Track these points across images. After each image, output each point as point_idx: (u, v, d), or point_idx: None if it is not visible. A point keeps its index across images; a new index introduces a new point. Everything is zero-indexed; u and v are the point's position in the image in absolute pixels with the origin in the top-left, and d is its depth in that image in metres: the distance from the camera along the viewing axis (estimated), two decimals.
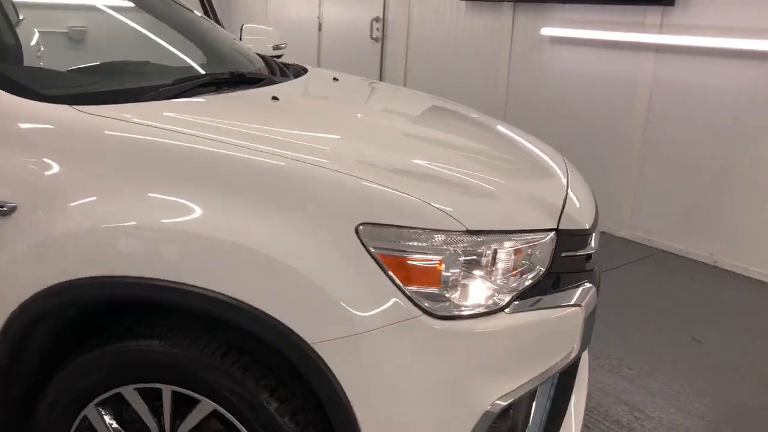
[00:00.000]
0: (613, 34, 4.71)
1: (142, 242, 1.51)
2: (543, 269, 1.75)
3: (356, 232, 1.50)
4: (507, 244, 1.66)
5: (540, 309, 1.70)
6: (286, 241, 1.49)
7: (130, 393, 1.64)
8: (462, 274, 1.57)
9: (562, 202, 1.88)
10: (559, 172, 2.18)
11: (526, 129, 4.84)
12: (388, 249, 1.51)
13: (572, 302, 1.77)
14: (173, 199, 1.53)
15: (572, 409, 1.99)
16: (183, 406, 1.63)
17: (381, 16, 6.45)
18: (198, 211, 1.51)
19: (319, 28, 7.21)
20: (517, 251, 1.70)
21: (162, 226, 1.51)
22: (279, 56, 3.48)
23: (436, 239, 1.54)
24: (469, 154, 2.08)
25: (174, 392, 1.62)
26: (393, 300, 1.50)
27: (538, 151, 2.43)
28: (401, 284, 1.51)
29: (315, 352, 1.48)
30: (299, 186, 1.55)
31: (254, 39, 3.33)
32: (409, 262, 1.52)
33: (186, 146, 1.59)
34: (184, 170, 1.56)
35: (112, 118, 1.64)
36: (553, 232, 1.79)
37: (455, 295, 1.56)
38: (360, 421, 1.52)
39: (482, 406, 1.57)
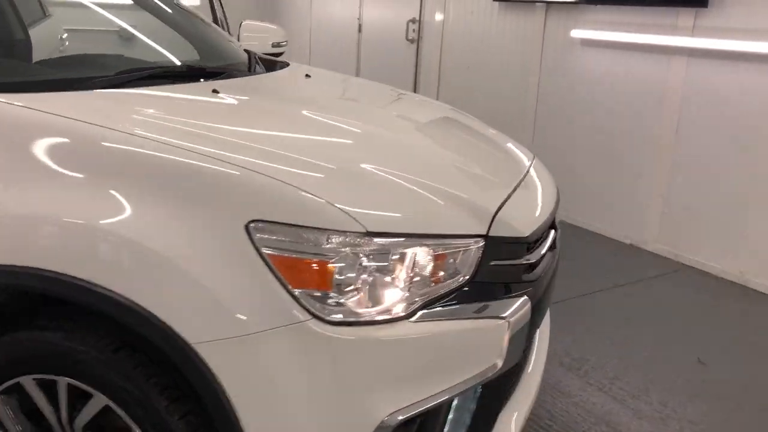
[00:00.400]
0: (644, 36, 4.50)
1: (26, 231, 1.50)
2: (466, 277, 1.64)
3: (246, 229, 1.44)
4: (417, 249, 1.57)
5: (454, 319, 1.59)
6: (173, 236, 1.44)
7: (28, 383, 1.63)
8: (361, 278, 1.49)
9: (497, 208, 1.76)
10: (509, 175, 2.05)
11: (554, 133, 4.68)
12: (278, 248, 1.45)
13: (496, 314, 1.65)
14: (59, 188, 1.50)
15: (513, 425, 1.87)
16: (81, 399, 1.61)
17: (417, 18, 6.37)
18: (85, 202, 1.48)
19: (359, 30, 7.19)
20: (436, 256, 1.60)
21: (45, 215, 1.49)
22: (279, 54, 3.46)
23: (332, 240, 1.46)
24: (405, 152, 1.98)
25: (71, 385, 1.59)
26: (280, 302, 1.43)
27: (497, 151, 2.32)
28: (290, 286, 1.44)
29: (196, 353, 1.43)
30: (190, 178, 1.50)
31: (253, 36, 3.32)
32: (300, 263, 1.45)
33: (75, 135, 1.56)
34: (70, 159, 1.54)
35: (10, 104, 1.63)
36: (481, 238, 1.68)
37: (352, 300, 1.48)
38: (244, 427, 1.46)
39: (376, 418, 1.49)
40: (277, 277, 1.44)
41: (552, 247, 2.06)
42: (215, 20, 3.96)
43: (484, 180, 1.98)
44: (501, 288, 1.73)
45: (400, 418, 1.51)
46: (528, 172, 2.18)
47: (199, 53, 2.80)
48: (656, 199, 4.60)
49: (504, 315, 1.67)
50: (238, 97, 2.11)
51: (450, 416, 1.67)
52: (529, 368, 2.09)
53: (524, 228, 1.80)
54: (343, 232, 1.47)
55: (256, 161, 1.55)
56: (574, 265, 4.32)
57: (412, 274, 1.57)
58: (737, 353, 3.29)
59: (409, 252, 1.56)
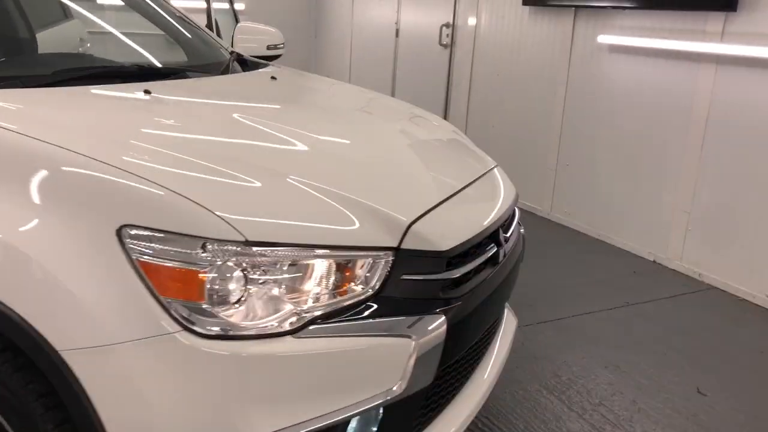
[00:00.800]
0: (672, 42, 4.25)
1: None
2: (370, 292, 1.55)
3: (118, 233, 1.39)
4: (309, 260, 1.48)
5: (349, 336, 1.50)
6: (45, 239, 1.41)
7: None
8: (238, 289, 1.41)
9: (413, 220, 1.65)
10: (444, 187, 1.94)
11: (580, 143, 4.46)
12: (150, 256, 1.39)
13: (401, 333, 1.55)
14: None
15: None
16: None
17: (451, 22, 6.25)
18: None
19: (396, 35, 7.11)
20: (333, 269, 1.52)
21: None
22: (275, 56, 3.42)
23: (206, 249, 1.39)
24: (335, 160, 1.90)
25: None
26: (149, 312, 1.37)
27: (445, 160, 2.20)
28: (160, 296, 1.38)
29: (63, 360, 1.38)
30: (63, 178, 1.46)
31: (248, 39, 3.29)
32: (171, 271, 1.39)
33: None
34: None
35: None
36: (391, 251, 1.58)
37: (227, 313, 1.41)
38: None
39: None
40: (147, 285, 1.38)
41: (494, 263, 1.94)
42: (209, 25, 3.96)
43: (413, 190, 1.87)
44: (413, 304, 1.62)
45: None
46: (473, 182, 2.06)
47: (186, 54, 2.80)
48: (681, 215, 4.34)
49: (410, 334, 1.56)
50: (167, 97, 2.07)
51: None
52: (467, 390, 1.96)
53: (443, 242, 1.69)
54: (219, 241, 1.40)
55: (139, 163, 1.49)
56: (587, 280, 4.13)
57: (300, 287, 1.48)
58: (745, 386, 3.04)
59: (296, 263, 1.47)
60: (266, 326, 1.44)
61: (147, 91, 2.02)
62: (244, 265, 1.42)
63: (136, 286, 1.38)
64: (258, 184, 1.59)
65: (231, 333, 1.40)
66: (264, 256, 1.44)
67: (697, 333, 3.53)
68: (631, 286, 4.10)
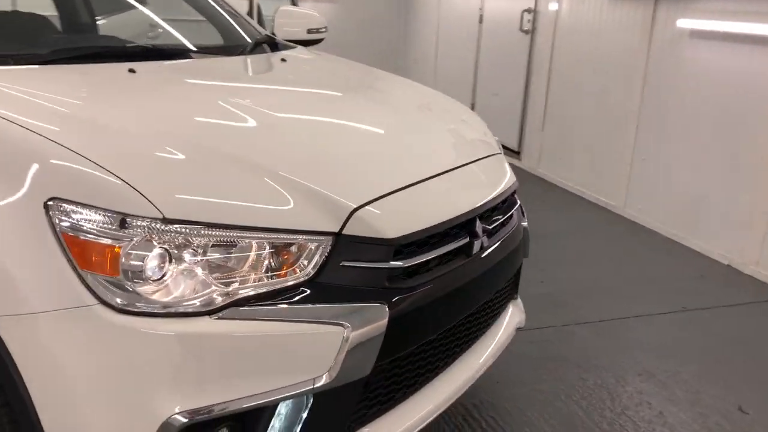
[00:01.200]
0: (758, 26, 3.89)
1: None
2: (305, 277, 1.51)
3: (45, 206, 1.42)
4: (230, 241, 1.46)
5: (271, 320, 1.46)
6: None
7: None
8: (155, 266, 1.41)
9: (360, 205, 1.60)
10: (411, 172, 1.85)
11: (656, 137, 4.19)
12: (74, 229, 1.41)
13: (332, 321, 1.50)
14: None
15: None
16: None
17: (533, 7, 6.03)
18: None
19: (480, 20, 6.94)
20: (261, 251, 1.49)
21: None
22: (316, 40, 3.41)
23: (124, 224, 1.40)
24: (296, 143, 1.85)
25: None
26: (69, 285, 1.40)
27: (426, 144, 2.10)
28: (80, 269, 1.40)
29: None
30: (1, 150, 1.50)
31: (289, 23, 3.30)
32: (91, 246, 1.41)
33: None
34: None
35: None
36: (331, 236, 1.53)
37: (143, 289, 1.41)
38: (37, 407, 1.44)
39: (159, 416, 1.41)
40: (68, 258, 1.41)
41: (467, 254, 1.84)
42: (250, 11, 3.99)
43: (374, 174, 1.80)
44: (354, 293, 1.56)
45: (184, 420, 1.41)
46: (455, 169, 1.96)
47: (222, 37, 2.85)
48: (760, 216, 3.97)
49: (343, 323, 1.51)
50: (149, 77, 2.10)
51: (274, 427, 1.54)
52: (435, 385, 1.88)
53: (390, 229, 1.62)
54: (137, 217, 1.40)
55: (76, 138, 1.52)
56: (645, 281, 3.87)
57: (223, 268, 1.46)
58: None
59: (221, 244, 1.45)
60: (183, 305, 1.42)
61: (131, 70, 2.06)
62: (163, 242, 1.41)
63: (59, 258, 1.40)
64: (189, 160, 1.58)
65: (146, 309, 1.40)
66: (183, 234, 1.43)
67: (755, 346, 3.23)
68: (694, 290, 3.81)
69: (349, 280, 1.57)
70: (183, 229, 1.43)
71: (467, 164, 2.04)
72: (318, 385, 1.51)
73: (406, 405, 1.79)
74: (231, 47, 2.70)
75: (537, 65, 6.05)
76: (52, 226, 1.41)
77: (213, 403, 1.44)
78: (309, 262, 1.54)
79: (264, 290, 1.49)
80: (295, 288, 1.52)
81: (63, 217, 1.41)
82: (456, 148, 2.17)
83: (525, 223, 2.26)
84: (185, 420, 1.41)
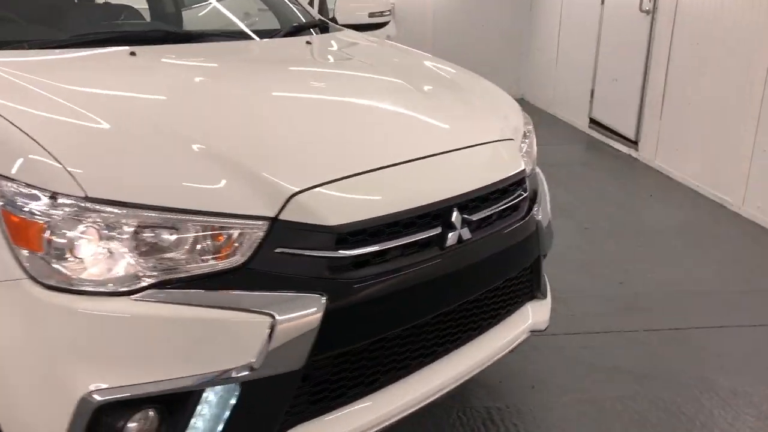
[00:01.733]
0: None
1: None
2: (234, 262, 1.47)
3: None
4: (156, 222, 1.44)
5: (195, 305, 1.44)
6: None
7: None
8: (77, 244, 1.43)
9: (300, 190, 1.53)
10: (378, 154, 1.75)
11: None
12: (8, 204, 1.46)
13: (259, 309, 1.45)
14: None
15: None
16: None
17: None
18: None
19: (602, 2, 6.51)
20: (186, 233, 1.46)
21: None
22: (378, 24, 3.36)
23: (50, 201, 1.42)
24: (260, 123, 1.80)
25: None
26: (3, 257, 1.45)
27: (417, 124, 2.00)
28: (12, 243, 1.45)
29: None
30: None
31: (351, 6, 3.27)
32: (20, 221, 1.44)
33: None
34: None
35: None
36: (266, 221, 1.48)
37: (66, 266, 1.43)
38: None
39: (77, 393, 1.42)
40: (3, 232, 1.45)
41: (439, 246, 1.71)
42: None
43: (331, 157, 1.71)
44: (290, 281, 1.50)
45: (100, 398, 1.41)
46: (436, 155, 1.82)
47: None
48: None
49: (271, 312, 1.45)
50: (146, 59, 2.12)
51: (201, 413, 1.50)
52: (405, 385, 1.76)
53: (332, 216, 1.53)
54: (63, 195, 1.42)
55: (31, 115, 1.56)
56: (747, 289, 3.46)
57: (147, 249, 1.44)
58: None
59: (146, 225, 1.44)
60: (104, 284, 1.42)
61: (133, 53, 2.10)
62: (87, 221, 1.42)
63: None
64: (121, 138, 1.58)
65: (67, 287, 1.41)
66: (106, 214, 1.42)
67: None
68: None
69: (284, 268, 1.50)
70: (107, 209, 1.42)
71: (455, 150, 1.89)
72: (240, 375, 1.46)
73: (366, 402, 1.69)
74: (263, 31, 2.69)
75: (656, 48, 5.57)
76: None
77: (131, 383, 1.42)
78: (240, 248, 1.49)
79: (189, 274, 1.46)
80: (223, 274, 1.48)
81: (2, 192, 1.45)
82: (448, 132, 2.01)
83: (539, 216, 2.06)
84: (101, 398, 1.41)
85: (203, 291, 1.45)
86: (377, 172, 1.68)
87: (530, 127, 2.36)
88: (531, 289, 2.19)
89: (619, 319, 3.11)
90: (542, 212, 2.13)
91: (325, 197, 1.56)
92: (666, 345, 2.91)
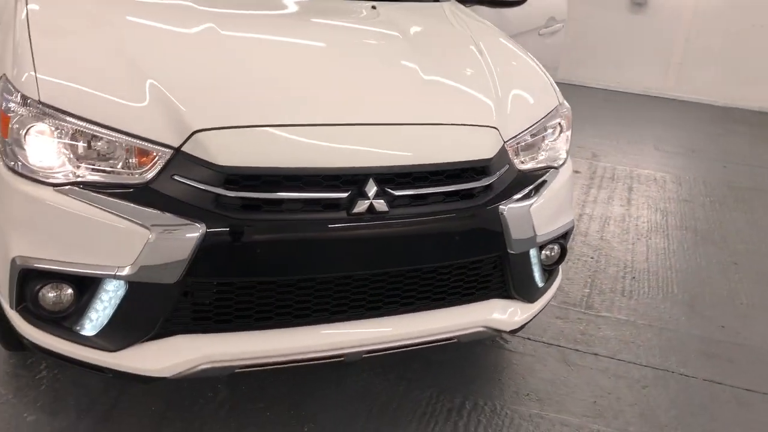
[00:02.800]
0: None
1: None
2: (139, 179, 1.73)
3: None
4: (86, 132, 1.74)
5: (98, 207, 1.71)
6: None
7: None
8: (30, 139, 1.76)
9: (202, 128, 1.72)
10: (297, 109, 1.88)
11: None
12: (2, 99, 1.84)
13: (142, 222, 1.69)
14: None
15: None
16: None
17: None
18: None
19: None
20: (107, 146, 1.75)
21: None
22: (510, 2, 3.29)
23: (16, 100, 1.78)
24: (213, 59, 2.00)
25: None
26: None
27: (402, 95, 2.06)
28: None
29: None
30: None
31: None
32: (3, 113, 1.81)
33: None
34: None
35: None
36: (170, 150, 1.71)
37: (22, 153, 1.77)
38: None
39: (9, 254, 1.78)
40: None
41: (347, 210, 1.78)
42: None
43: (254, 106, 1.85)
44: (181, 206, 1.70)
45: (19, 263, 1.75)
46: (377, 125, 1.90)
47: None
48: None
49: (149, 226, 1.67)
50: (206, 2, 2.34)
51: (100, 297, 1.77)
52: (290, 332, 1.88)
53: (222, 157, 1.69)
54: (27, 97, 1.77)
55: (44, 33, 1.94)
56: None
57: (77, 153, 1.74)
58: None
59: (78, 132, 1.73)
60: (37, 173, 1.74)
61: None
62: (37, 120, 1.75)
63: None
64: (93, 62, 1.88)
65: (18, 170, 1.76)
66: (52, 117, 1.74)
67: None
68: None
69: (177, 194, 1.70)
70: (53, 113, 1.74)
71: (398, 124, 1.90)
72: (120, 274, 1.70)
73: (252, 334, 1.83)
74: None
75: None
76: None
77: (47, 258, 1.74)
78: (147, 168, 1.71)
79: (103, 181, 1.73)
80: (128, 186, 1.72)
81: (5, 92, 1.84)
82: (407, 107, 1.98)
83: (504, 208, 1.97)
84: (20, 264, 1.75)
85: (108, 198, 1.71)
86: (291, 127, 1.79)
87: (560, 124, 2.23)
88: (501, 287, 2.11)
89: (692, 364, 2.78)
90: (536, 211, 2.05)
91: (222, 139, 1.71)
92: (740, 407, 2.55)
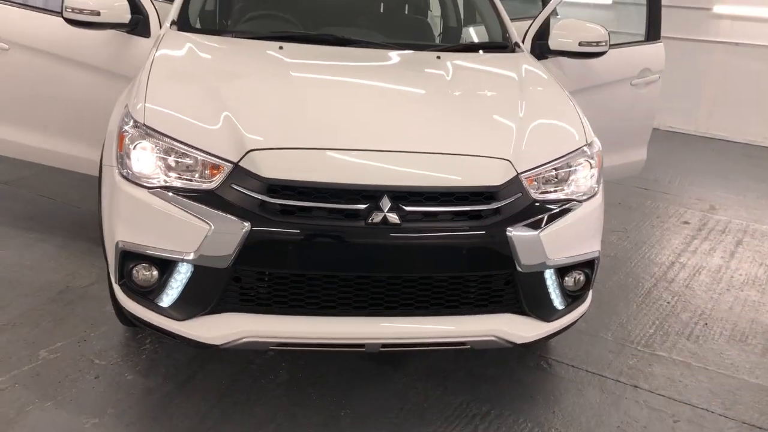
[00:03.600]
0: None
1: None
2: (210, 186, 2.23)
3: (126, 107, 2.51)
4: (177, 149, 2.28)
5: (177, 206, 2.23)
6: None
7: None
8: (135, 153, 2.32)
9: (254, 149, 2.21)
10: (338, 138, 2.32)
11: None
12: (121, 125, 2.44)
13: (203, 218, 2.19)
14: None
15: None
16: None
17: None
18: None
19: None
20: (186, 160, 2.26)
21: None
22: (589, 53, 3.53)
23: (129, 122, 2.37)
24: (288, 95, 2.51)
25: None
26: (114, 153, 2.44)
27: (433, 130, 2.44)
28: (117, 148, 2.42)
29: None
30: None
31: (563, 33, 3.51)
32: (120, 133, 2.41)
33: None
34: None
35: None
36: (231, 164, 2.21)
37: (129, 163, 2.34)
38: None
39: (115, 239, 2.34)
40: (116, 143, 2.44)
41: (364, 220, 2.17)
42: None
43: (303, 133, 2.31)
44: (235, 208, 2.18)
45: (121, 246, 2.29)
46: (415, 153, 2.31)
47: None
48: None
49: (210, 223, 2.16)
50: (284, 51, 2.85)
51: (175, 276, 2.27)
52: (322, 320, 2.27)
53: (268, 172, 2.15)
54: (134, 120, 2.35)
55: (159, 71, 2.54)
56: None
57: (165, 164, 2.27)
58: None
59: (172, 149, 2.27)
60: (139, 179, 2.29)
61: (281, 47, 2.89)
62: (142, 139, 2.31)
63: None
64: (189, 95, 2.43)
65: (127, 176, 2.33)
66: (151, 136, 2.29)
67: None
68: None
69: (232, 198, 2.17)
70: (153, 134, 2.29)
71: (416, 152, 2.26)
72: (187, 258, 2.19)
73: (285, 318, 2.25)
74: (421, 44, 3.24)
75: None
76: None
77: (139, 243, 2.27)
78: (215, 177, 2.21)
79: (183, 186, 2.24)
80: (200, 192, 2.21)
81: (125, 116, 2.44)
82: (429, 140, 2.33)
83: (512, 233, 2.24)
84: (121, 246, 2.29)
85: (184, 199, 2.21)
86: (323, 150, 2.21)
87: (589, 162, 2.47)
88: (515, 302, 2.36)
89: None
90: (548, 237, 2.30)
91: (270, 157, 2.16)
92: None
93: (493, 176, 2.26)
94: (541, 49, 3.57)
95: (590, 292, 2.61)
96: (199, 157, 2.23)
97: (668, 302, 3.67)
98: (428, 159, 2.28)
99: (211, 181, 2.21)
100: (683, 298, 3.74)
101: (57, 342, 2.87)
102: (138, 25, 3.19)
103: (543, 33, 3.63)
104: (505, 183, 2.26)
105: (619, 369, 3.00)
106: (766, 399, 2.87)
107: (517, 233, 2.25)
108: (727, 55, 7.61)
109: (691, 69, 7.71)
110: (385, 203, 2.15)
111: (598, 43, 3.49)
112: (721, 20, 7.51)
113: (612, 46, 3.99)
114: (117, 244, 2.31)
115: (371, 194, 2.16)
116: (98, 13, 3.03)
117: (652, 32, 4.07)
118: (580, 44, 3.47)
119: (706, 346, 3.25)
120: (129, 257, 2.31)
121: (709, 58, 7.69)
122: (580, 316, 2.60)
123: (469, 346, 2.38)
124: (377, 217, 2.15)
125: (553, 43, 3.53)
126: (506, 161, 2.30)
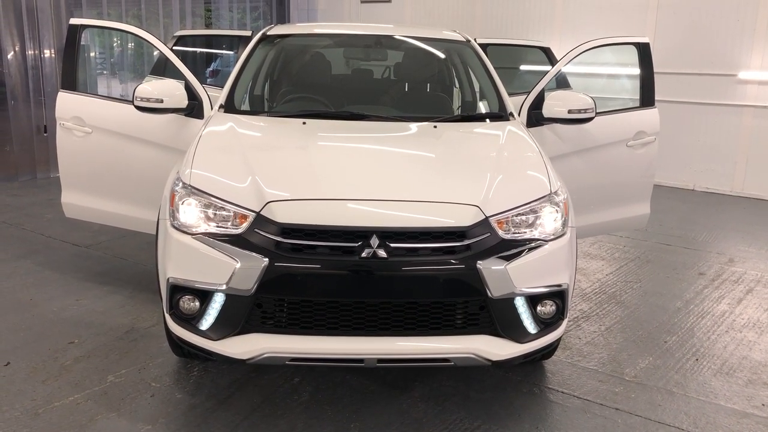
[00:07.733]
0: None
1: None
2: (238, 231, 2.82)
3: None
4: (212, 203, 2.89)
5: (213, 248, 2.81)
6: None
7: None
8: (183, 207, 2.95)
9: (273, 200, 2.79)
10: (336, 190, 2.89)
11: None
12: (173, 185, 3.09)
13: (232, 256, 2.77)
14: None
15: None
16: None
17: None
18: None
19: None
20: (229, 215, 2.87)
21: None
22: (577, 119, 4.03)
23: (178, 183, 3.00)
24: (304, 159, 3.11)
25: None
26: (168, 209, 3.08)
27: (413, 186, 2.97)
28: (170, 204, 3.06)
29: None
30: None
31: (554, 103, 4.03)
32: (172, 193, 3.05)
33: None
34: None
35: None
36: (254, 213, 2.81)
37: (177, 216, 2.96)
38: None
39: (167, 275, 2.94)
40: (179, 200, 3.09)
41: (358, 255, 2.69)
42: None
43: (311, 187, 2.88)
44: (258, 248, 2.75)
45: (172, 281, 2.88)
46: (385, 200, 2.84)
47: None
48: None
49: (237, 259, 2.74)
50: (306, 127, 3.48)
51: (212, 304, 2.84)
52: (326, 339, 2.78)
53: (283, 218, 2.72)
54: (183, 182, 2.98)
55: (207, 145, 3.19)
56: None
57: (205, 215, 2.88)
58: None
59: (198, 201, 2.88)
60: (185, 227, 2.89)
61: (304, 122, 3.53)
62: (188, 196, 2.93)
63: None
64: (225, 162, 3.04)
65: (176, 226, 2.95)
66: (194, 194, 2.91)
67: None
68: None
69: (254, 240, 2.74)
70: (196, 192, 2.91)
71: (398, 201, 2.78)
72: (221, 288, 2.75)
73: (298, 336, 2.76)
74: (424, 116, 3.82)
75: None
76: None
77: (185, 278, 2.86)
78: (243, 224, 2.79)
79: (218, 232, 2.83)
80: (231, 236, 2.80)
81: (176, 180, 3.08)
82: (410, 190, 2.85)
83: (482, 265, 2.72)
84: (172, 281, 2.89)
85: (219, 242, 2.79)
86: (325, 201, 2.77)
87: (555, 208, 2.95)
88: (490, 325, 2.82)
89: None
90: (514, 270, 2.76)
91: (284, 207, 2.74)
92: None
93: (463, 219, 2.77)
94: (536, 117, 4.10)
95: (564, 321, 3.03)
96: (231, 209, 2.83)
97: (665, 342, 3.99)
98: (410, 206, 2.81)
99: (239, 227, 2.79)
100: (679, 337, 4.05)
101: (122, 369, 3.46)
102: (194, 109, 3.91)
103: (538, 103, 4.16)
104: (474, 224, 2.76)
105: (604, 395, 3.35)
106: (738, 421, 3.17)
107: (486, 266, 2.73)
108: (756, 118, 7.92)
109: (723, 132, 8.07)
110: (374, 241, 2.68)
111: (585, 110, 3.98)
112: (747, 85, 7.87)
113: (610, 111, 4.51)
114: (168, 279, 2.91)
115: (363, 234, 2.69)
116: (161, 101, 3.75)
117: (646, 98, 4.53)
118: (569, 112, 3.97)
119: (693, 378, 3.56)
120: (177, 290, 2.89)
121: (738, 121, 8.01)
122: (555, 341, 3.02)
123: (452, 363, 2.82)
124: (368, 252, 2.67)
125: (547, 111, 4.05)
126: (476, 207, 2.81)
